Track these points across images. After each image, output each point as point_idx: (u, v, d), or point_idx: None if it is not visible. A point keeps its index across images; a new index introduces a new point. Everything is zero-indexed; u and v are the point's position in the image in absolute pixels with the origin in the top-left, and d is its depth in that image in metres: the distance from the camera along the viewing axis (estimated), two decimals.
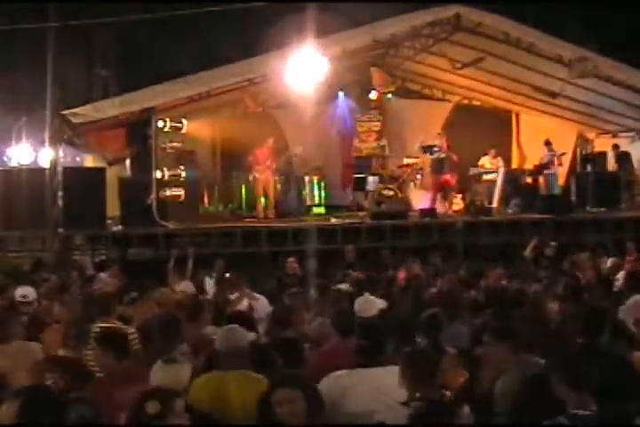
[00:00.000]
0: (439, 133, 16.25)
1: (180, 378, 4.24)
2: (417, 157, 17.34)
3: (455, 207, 16.17)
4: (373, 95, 17.62)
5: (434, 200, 15.73)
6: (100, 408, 4.14)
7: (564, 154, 17.13)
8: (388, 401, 4.16)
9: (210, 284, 10.24)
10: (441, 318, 5.76)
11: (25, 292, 7.46)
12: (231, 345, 4.65)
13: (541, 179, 16.82)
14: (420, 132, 17.19)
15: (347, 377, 4.50)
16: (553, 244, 11.97)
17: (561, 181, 17.38)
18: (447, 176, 15.72)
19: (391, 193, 16.28)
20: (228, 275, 10.12)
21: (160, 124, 14.08)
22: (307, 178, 16.90)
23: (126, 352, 5.02)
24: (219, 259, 10.89)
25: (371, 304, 6.33)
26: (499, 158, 16.90)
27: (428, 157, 15.86)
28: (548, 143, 16.86)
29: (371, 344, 4.71)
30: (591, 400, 3.76)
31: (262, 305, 8.01)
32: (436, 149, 15.67)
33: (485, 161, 16.84)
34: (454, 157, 15.68)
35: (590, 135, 18.58)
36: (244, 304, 8.05)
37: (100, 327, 5.80)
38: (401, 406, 3.98)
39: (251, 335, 5.36)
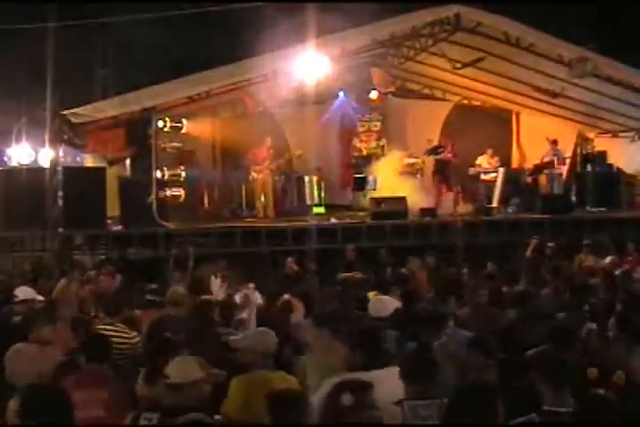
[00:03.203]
0: (445, 135, 16.22)
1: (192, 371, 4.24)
2: (417, 157, 17.35)
3: (459, 208, 16.16)
4: (373, 95, 17.60)
5: (437, 200, 15.72)
6: None
7: (565, 159, 17.18)
8: (383, 402, 4.13)
9: (216, 283, 10.24)
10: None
11: (19, 292, 7.47)
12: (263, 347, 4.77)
13: (542, 178, 16.81)
14: (420, 132, 17.20)
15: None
16: (550, 244, 11.99)
17: (561, 180, 17.37)
18: (447, 177, 15.74)
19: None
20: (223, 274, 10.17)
21: (160, 124, 14.09)
22: (307, 178, 16.90)
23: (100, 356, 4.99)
24: (222, 259, 10.88)
25: (385, 304, 6.32)
26: (496, 158, 16.91)
27: (433, 157, 15.86)
28: (554, 143, 16.83)
29: (369, 348, 4.72)
30: (569, 398, 3.79)
31: None
32: (440, 149, 15.69)
33: (482, 161, 16.86)
34: (454, 160, 15.70)
35: (590, 135, 18.57)
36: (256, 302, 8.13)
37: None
38: (394, 406, 3.97)
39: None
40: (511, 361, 4.97)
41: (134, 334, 6.12)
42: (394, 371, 4.29)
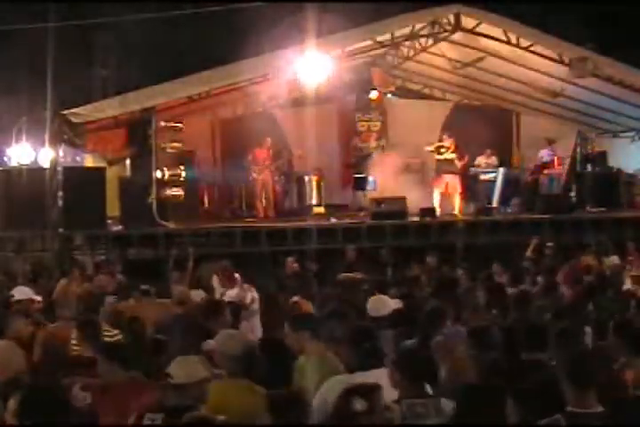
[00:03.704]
0: (448, 135, 16.18)
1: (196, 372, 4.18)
2: (417, 157, 17.35)
3: (458, 208, 16.14)
4: (373, 95, 17.60)
5: (437, 200, 15.70)
6: (109, 416, 4.13)
7: (564, 158, 17.19)
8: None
9: (216, 282, 10.25)
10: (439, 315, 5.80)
11: (16, 291, 7.49)
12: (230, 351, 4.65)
13: (542, 178, 16.82)
14: (420, 132, 17.18)
15: (346, 381, 4.47)
16: (549, 244, 12.00)
17: (561, 180, 17.39)
18: (451, 176, 15.70)
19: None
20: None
21: (160, 124, 14.08)
22: (307, 178, 16.89)
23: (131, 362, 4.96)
24: (223, 259, 10.86)
25: (384, 303, 6.31)
26: (493, 158, 16.91)
27: (436, 156, 15.85)
28: (550, 142, 16.85)
29: (369, 347, 4.70)
30: (594, 399, 3.74)
31: None
32: (443, 149, 15.68)
33: (481, 161, 16.86)
34: (460, 161, 15.65)
35: (590, 135, 18.58)
36: (248, 297, 8.17)
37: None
38: (395, 405, 3.97)
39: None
40: (525, 361, 4.97)
41: (115, 332, 6.13)
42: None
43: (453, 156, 15.52)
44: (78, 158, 16.68)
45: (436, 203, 15.59)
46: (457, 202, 15.74)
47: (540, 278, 9.01)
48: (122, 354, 4.93)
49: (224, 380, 4.48)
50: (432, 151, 15.87)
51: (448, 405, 4.04)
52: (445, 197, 15.84)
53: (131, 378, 4.78)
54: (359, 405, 3.43)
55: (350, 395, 3.52)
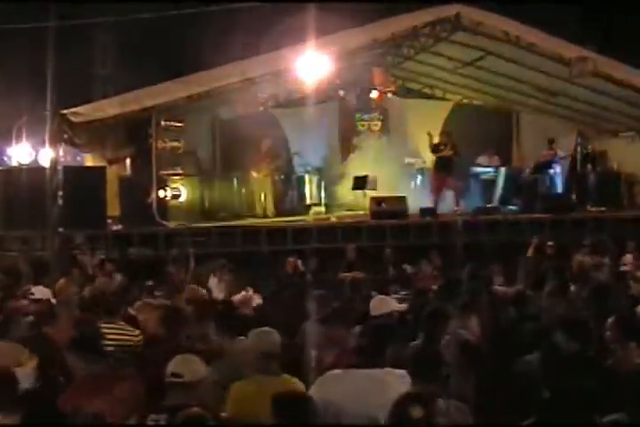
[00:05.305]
0: (446, 133, 16.15)
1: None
2: (417, 157, 17.34)
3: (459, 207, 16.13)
4: (374, 95, 17.62)
5: (436, 197, 15.70)
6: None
7: (565, 157, 17.17)
8: (384, 402, 4.10)
9: (213, 282, 10.27)
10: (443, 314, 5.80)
11: (36, 290, 7.49)
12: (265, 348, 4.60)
13: (542, 178, 16.80)
14: (420, 132, 17.18)
15: (341, 377, 4.46)
16: (550, 243, 11.99)
17: (561, 180, 17.38)
18: (450, 175, 15.69)
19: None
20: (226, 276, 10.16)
21: (160, 123, 14.08)
22: (307, 178, 16.89)
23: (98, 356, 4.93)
24: (220, 258, 10.88)
25: (385, 303, 6.30)
26: (496, 157, 16.89)
27: (434, 155, 15.83)
28: (550, 142, 16.85)
29: (371, 345, 4.69)
30: None
31: None
32: (442, 147, 15.65)
33: (483, 160, 16.83)
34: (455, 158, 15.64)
35: (590, 134, 18.56)
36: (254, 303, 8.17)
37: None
38: None
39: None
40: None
41: (137, 332, 6.12)
42: (392, 371, 4.29)
43: (451, 153, 15.51)
44: (78, 158, 16.67)
45: (436, 202, 15.58)
46: (457, 200, 15.73)
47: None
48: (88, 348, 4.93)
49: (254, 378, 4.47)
50: (431, 146, 15.82)
51: (457, 406, 4.04)
52: (445, 196, 15.83)
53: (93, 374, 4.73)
54: (416, 412, 3.38)
55: (407, 402, 3.47)
